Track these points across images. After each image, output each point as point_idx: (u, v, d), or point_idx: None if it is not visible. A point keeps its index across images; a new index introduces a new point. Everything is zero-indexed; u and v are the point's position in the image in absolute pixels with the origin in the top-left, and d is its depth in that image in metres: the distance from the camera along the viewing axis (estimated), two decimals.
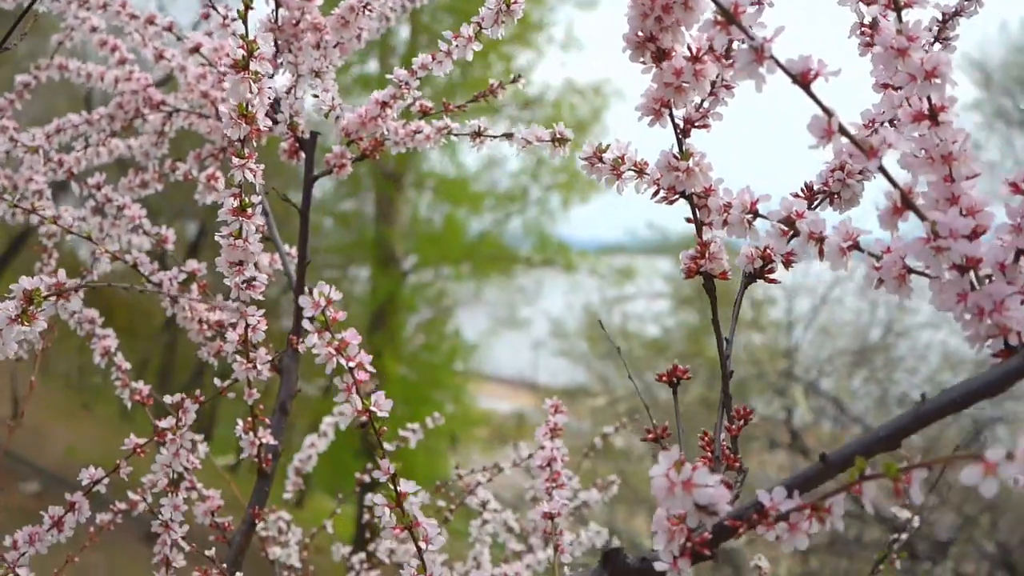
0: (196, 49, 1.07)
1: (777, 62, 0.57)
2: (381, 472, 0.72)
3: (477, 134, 1.04)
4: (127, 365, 1.21)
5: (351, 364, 0.69)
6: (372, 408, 0.70)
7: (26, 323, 0.73)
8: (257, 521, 1.11)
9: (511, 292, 12.78)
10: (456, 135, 1.06)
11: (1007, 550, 6.07)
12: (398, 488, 0.73)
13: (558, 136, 0.92)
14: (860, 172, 0.76)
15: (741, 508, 0.61)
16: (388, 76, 1.02)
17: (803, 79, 0.57)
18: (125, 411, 1.28)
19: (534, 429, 1.04)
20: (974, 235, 0.59)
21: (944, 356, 7.77)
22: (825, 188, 0.77)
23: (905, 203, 0.58)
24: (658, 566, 0.61)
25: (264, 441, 1.06)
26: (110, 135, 1.34)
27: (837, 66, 0.57)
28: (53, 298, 0.75)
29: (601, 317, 9.91)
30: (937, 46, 0.81)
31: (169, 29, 1.20)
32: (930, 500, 6.32)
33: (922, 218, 0.58)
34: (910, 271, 0.61)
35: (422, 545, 0.72)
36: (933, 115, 0.61)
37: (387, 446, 0.75)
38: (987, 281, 0.59)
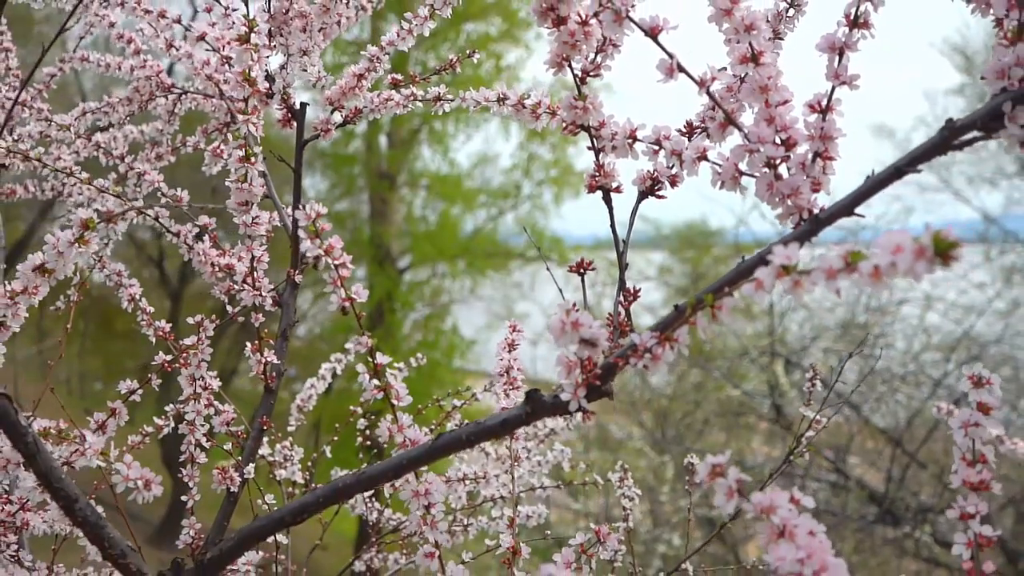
0: (201, 37, 1.28)
1: (633, 21, 0.79)
2: (361, 345, 0.94)
3: (438, 98, 1.27)
4: (151, 308, 1.42)
5: (337, 263, 0.91)
6: (353, 295, 0.92)
7: (83, 245, 0.95)
8: (265, 429, 1.32)
9: (507, 288, 13.01)
10: (421, 100, 1.28)
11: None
12: (375, 360, 0.95)
13: (501, 96, 1.14)
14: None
15: (621, 350, 0.82)
16: (362, 52, 1.25)
17: (653, 32, 0.79)
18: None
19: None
20: (785, 145, 0.81)
21: (928, 335, 8.00)
22: (702, 124, 0.99)
23: (728, 120, 0.80)
24: (563, 396, 0.83)
25: (269, 360, 1.28)
26: (128, 116, 1.56)
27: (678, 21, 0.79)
28: (104, 224, 0.96)
29: (592, 306, 10.12)
30: (791, 11, 1.03)
31: (178, 21, 1.42)
32: (910, 470, 6.54)
33: (741, 131, 0.80)
34: (742, 173, 0.84)
35: (394, 402, 0.94)
36: (755, 58, 0.83)
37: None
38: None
